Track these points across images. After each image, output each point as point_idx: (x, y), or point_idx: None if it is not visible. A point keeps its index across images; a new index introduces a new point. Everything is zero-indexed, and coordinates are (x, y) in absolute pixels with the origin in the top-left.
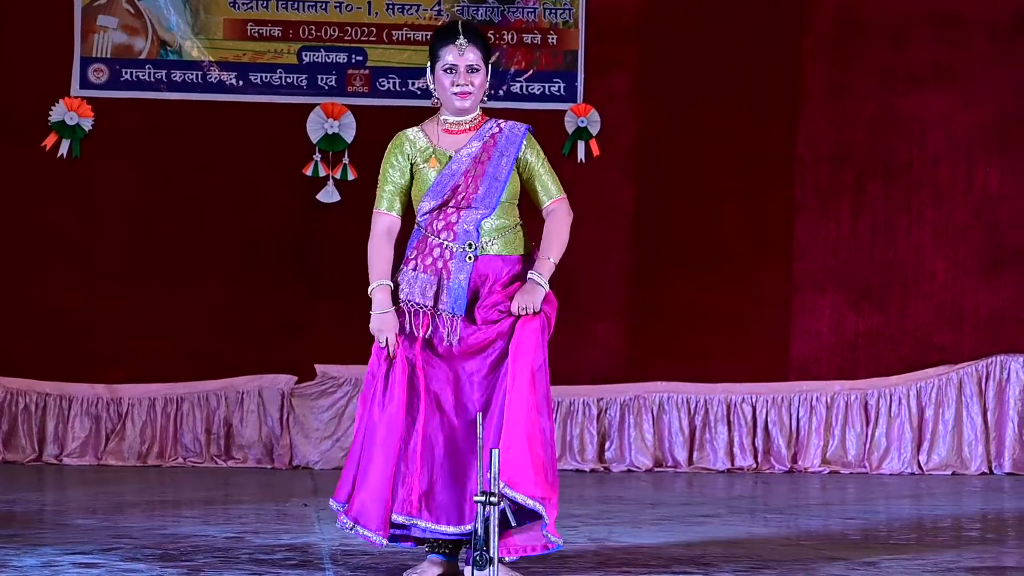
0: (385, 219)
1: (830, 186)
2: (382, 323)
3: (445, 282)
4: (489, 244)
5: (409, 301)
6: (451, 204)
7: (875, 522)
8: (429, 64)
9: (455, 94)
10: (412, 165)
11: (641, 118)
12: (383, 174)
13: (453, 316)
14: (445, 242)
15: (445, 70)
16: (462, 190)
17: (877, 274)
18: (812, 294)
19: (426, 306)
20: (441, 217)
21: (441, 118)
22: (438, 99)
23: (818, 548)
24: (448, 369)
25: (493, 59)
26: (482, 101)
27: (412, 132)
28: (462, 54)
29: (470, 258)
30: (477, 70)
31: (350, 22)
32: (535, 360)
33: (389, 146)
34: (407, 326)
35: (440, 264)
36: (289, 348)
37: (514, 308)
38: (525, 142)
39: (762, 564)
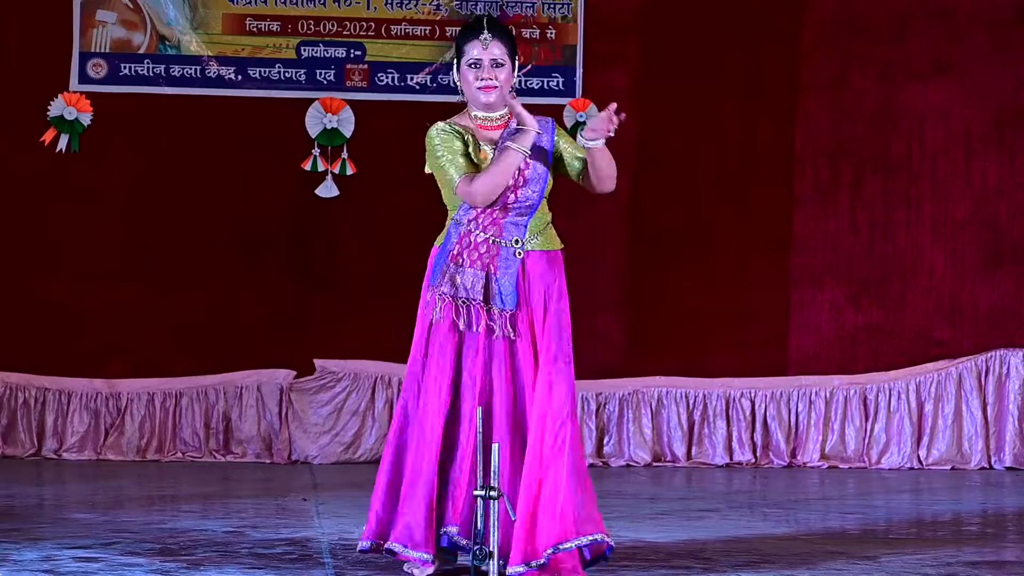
0: (469, 178)
1: (829, 180)
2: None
3: (493, 276)
4: (531, 240)
5: (458, 297)
6: (499, 200)
7: (874, 517)
8: (455, 61)
9: (479, 88)
10: (466, 144)
11: (640, 113)
12: (440, 152)
13: (503, 311)
14: (492, 238)
15: (469, 65)
16: (510, 185)
17: (876, 268)
18: (811, 288)
19: (476, 300)
20: (487, 213)
21: (472, 114)
22: (466, 98)
23: (817, 543)
24: (494, 358)
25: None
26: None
27: (448, 125)
28: (486, 48)
29: (518, 254)
30: (502, 64)
31: (349, 17)
32: (570, 423)
33: (434, 134)
34: (458, 322)
35: (487, 259)
36: (288, 343)
37: (593, 136)
38: (556, 132)
39: (761, 559)
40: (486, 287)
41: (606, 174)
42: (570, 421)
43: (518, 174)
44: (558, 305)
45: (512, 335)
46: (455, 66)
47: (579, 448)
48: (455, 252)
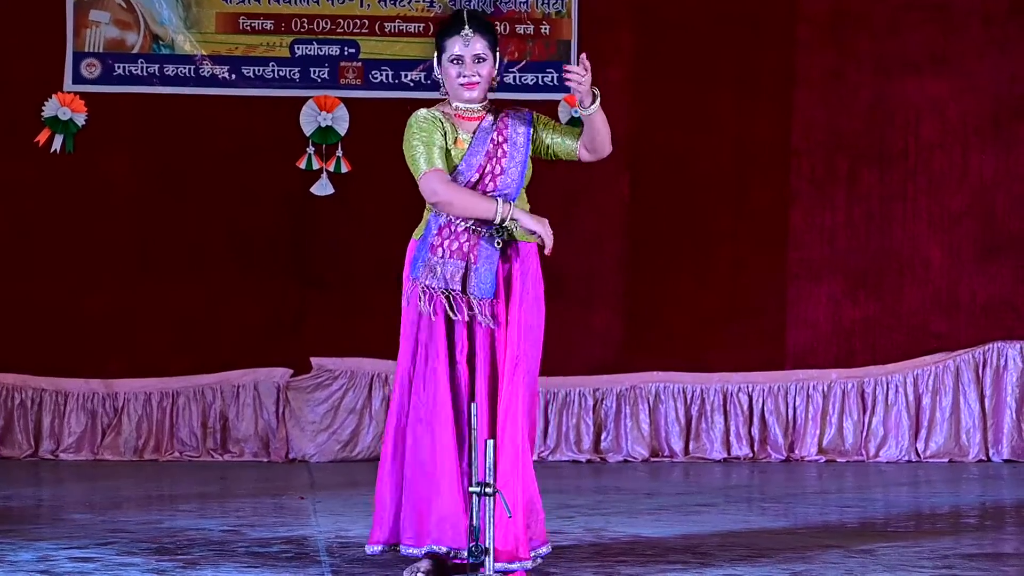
0: (439, 174)
1: (825, 174)
2: (529, 216)
3: (473, 266)
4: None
5: (438, 288)
6: (477, 188)
7: (872, 510)
8: (436, 56)
9: (461, 85)
10: (444, 136)
11: (635, 108)
12: (416, 141)
13: (482, 299)
14: (472, 227)
15: (451, 61)
16: (488, 172)
17: (873, 262)
18: (808, 283)
19: (455, 290)
20: None
21: (453, 104)
22: (447, 91)
23: (815, 537)
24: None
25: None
26: (492, 89)
27: (430, 113)
28: (467, 44)
29: (498, 243)
30: (483, 60)
31: (342, 14)
32: (528, 417)
33: (414, 123)
34: (444, 312)
35: (467, 248)
36: (284, 341)
37: (584, 101)
38: (533, 118)
39: (759, 553)
40: (464, 276)
41: (603, 137)
42: (524, 431)
43: (495, 163)
44: (534, 293)
45: (492, 324)
46: (436, 61)
47: (528, 458)
48: (436, 243)
